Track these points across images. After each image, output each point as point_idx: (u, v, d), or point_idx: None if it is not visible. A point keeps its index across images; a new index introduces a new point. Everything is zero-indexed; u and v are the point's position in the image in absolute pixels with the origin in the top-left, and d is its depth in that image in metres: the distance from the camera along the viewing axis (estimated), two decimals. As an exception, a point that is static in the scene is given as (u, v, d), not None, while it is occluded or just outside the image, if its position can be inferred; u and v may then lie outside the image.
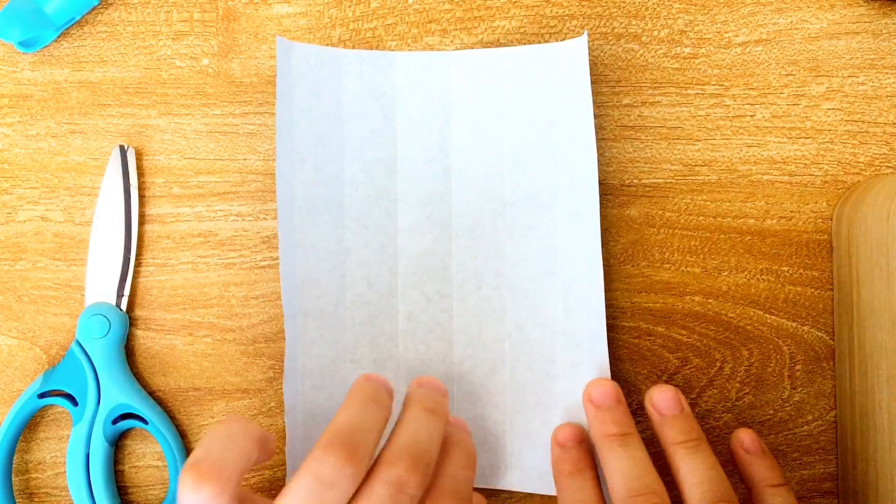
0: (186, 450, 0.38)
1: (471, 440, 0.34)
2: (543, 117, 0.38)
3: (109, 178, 0.38)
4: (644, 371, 0.39)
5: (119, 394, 0.37)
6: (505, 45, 0.39)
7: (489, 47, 0.39)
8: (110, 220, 0.38)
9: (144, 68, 0.39)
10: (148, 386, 0.39)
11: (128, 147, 0.38)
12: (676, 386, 0.38)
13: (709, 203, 0.39)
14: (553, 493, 0.37)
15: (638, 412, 0.39)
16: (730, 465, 0.38)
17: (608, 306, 0.39)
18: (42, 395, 0.37)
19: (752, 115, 0.39)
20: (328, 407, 0.37)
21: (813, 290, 0.39)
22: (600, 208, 0.38)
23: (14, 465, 0.38)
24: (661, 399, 0.35)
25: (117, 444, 0.38)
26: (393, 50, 0.39)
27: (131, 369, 0.38)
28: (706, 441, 0.34)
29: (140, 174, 0.39)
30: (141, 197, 0.39)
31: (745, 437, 0.35)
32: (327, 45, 0.39)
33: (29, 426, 0.38)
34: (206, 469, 0.27)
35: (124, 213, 0.38)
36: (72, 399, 0.37)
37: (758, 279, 0.39)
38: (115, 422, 0.37)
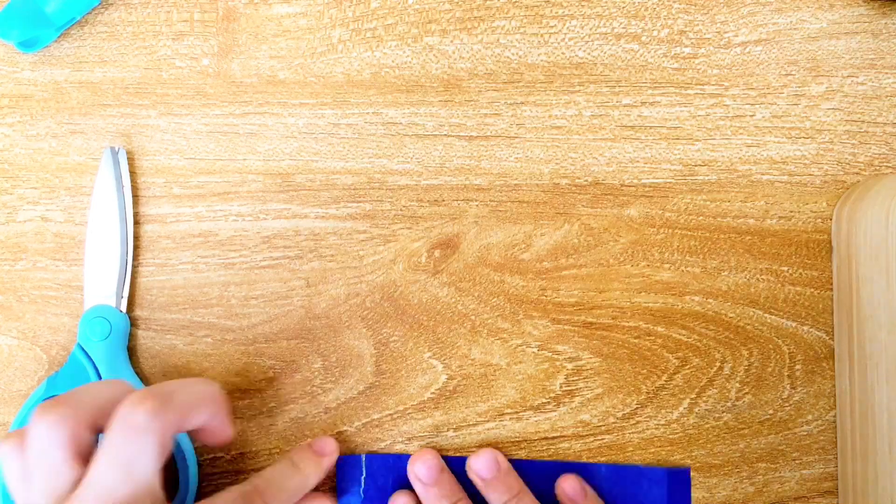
0: (188, 449, 0.38)
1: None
2: None
3: (101, 181, 0.38)
4: (644, 371, 0.39)
5: (119, 394, 0.37)
6: (505, 45, 0.39)
7: (489, 48, 0.39)
8: (105, 222, 0.38)
9: (144, 68, 0.39)
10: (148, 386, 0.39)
11: (118, 148, 0.38)
12: (676, 386, 0.39)
13: (709, 203, 0.39)
14: None
15: (636, 413, 0.39)
16: (729, 465, 0.38)
17: (608, 306, 0.39)
18: (44, 397, 0.37)
19: (751, 115, 0.39)
20: None
21: (813, 289, 0.39)
22: (600, 208, 0.38)
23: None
24: (480, 464, 0.36)
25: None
26: (392, 49, 0.39)
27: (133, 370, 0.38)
28: (527, 491, 0.36)
29: (140, 174, 0.39)
30: (141, 197, 0.39)
31: (566, 485, 0.36)
32: (327, 45, 0.39)
33: (29, 426, 0.38)
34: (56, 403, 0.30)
35: (119, 214, 0.38)
36: (72, 399, 0.37)
37: (758, 279, 0.39)
38: (115, 422, 0.37)
